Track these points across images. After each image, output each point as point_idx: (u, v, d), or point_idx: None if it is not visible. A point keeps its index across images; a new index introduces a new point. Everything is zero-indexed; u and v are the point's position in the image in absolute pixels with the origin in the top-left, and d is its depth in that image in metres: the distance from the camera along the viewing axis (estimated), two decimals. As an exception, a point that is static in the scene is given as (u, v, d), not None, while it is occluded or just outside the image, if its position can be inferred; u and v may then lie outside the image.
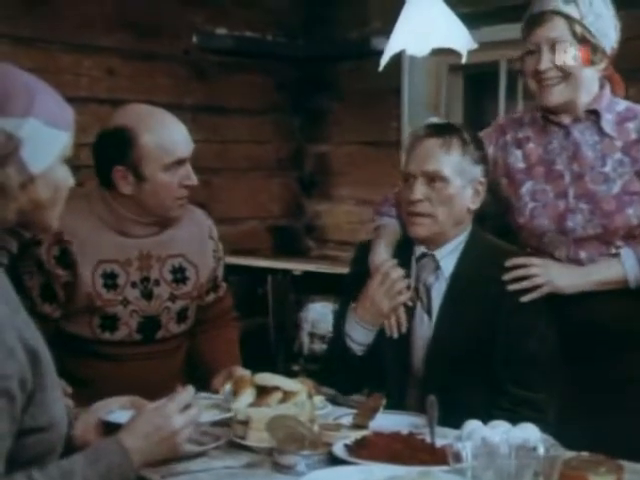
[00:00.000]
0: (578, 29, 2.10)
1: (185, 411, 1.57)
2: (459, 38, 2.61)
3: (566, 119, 2.20)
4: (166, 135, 2.16)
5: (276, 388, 1.95)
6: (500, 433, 1.61)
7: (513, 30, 3.52)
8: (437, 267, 2.16)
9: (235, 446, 1.78)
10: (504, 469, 1.35)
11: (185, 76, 3.90)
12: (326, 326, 3.63)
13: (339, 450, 1.68)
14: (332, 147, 4.20)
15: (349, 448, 1.69)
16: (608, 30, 2.13)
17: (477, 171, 2.14)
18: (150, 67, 3.78)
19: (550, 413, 2.04)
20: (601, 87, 2.19)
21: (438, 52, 2.70)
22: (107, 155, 2.18)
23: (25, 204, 1.37)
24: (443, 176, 2.10)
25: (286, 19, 4.18)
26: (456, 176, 2.11)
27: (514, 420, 1.77)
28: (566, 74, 2.12)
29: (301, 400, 1.92)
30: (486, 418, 1.78)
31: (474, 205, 2.16)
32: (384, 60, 2.62)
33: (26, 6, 3.44)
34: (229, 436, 1.81)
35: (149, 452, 1.51)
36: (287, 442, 1.66)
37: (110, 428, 1.65)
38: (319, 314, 3.81)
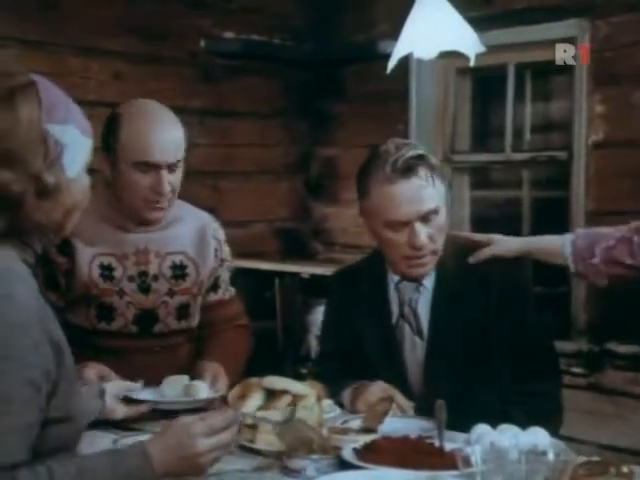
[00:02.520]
0: None
1: (215, 434, 1.52)
2: (467, 41, 2.61)
3: None
4: (144, 135, 2.16)
5: (285, 391, 1.94)
6: (509, 437, 1.60)
7: (521, 33, 3.56)
8: (419, 284, 2.15)
9: (244, 450, 1.78)
10: (514, 474, 1.34)
11: (192, 80, 3.91)
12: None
13: (348, 454, 1.68)
14: (339, 150, 4.20)
15: (358, 452, 1.69)
16: None
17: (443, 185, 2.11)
18: (157, 71, 3.78)
19: (561, 399, 2.07)
20: None
21: (446, 55, 2.70)
22: (101, 138, 2.22)
23: (68, 206, 1.46)
24: (437, 210, 2.06)
25: (293, 22, 4.18)
26: (441, 202, 2.08)
27: (531, 414, 1.77)
28: None
29: (310, 403, 1.92)
30: (497, 420, 1.77)
31: None
32: (391, 63, 2.62)
33: (35, 10, 3.45)
34: (238, 440, 1.81)
35: (170, 465, 1.49)
36: (296, 446, 1.65)
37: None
38: (326, 317, 3.80)
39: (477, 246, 2.18)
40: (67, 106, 1.47)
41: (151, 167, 2.16)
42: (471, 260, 2.13)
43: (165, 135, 2.17)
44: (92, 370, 2.06)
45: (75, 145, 1.46)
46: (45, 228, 1.46)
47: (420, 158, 2.06)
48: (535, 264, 2.19)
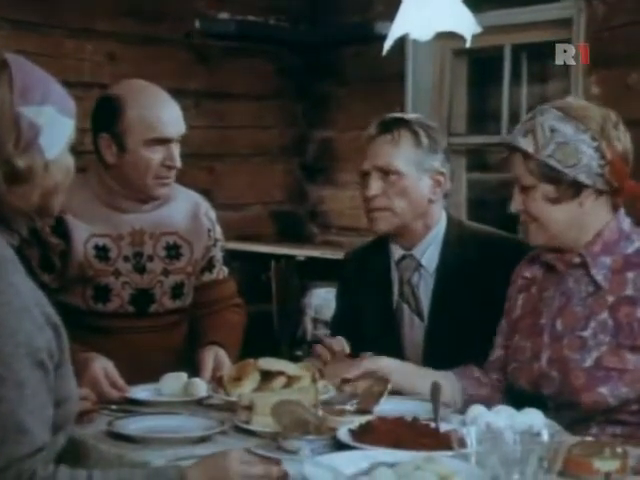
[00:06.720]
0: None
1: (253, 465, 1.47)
2: (463, 22, 2.60)
3: (560, 263, 1.85)
4: (153, 112, 2.20)
5: (280, 373, 1.95)
6: (504, 418, 1.61)
7: (517, 14, 3.55)
8: (418, 265, 2.15)
9: (239, 431, 1.79)
10: (508, 454, 1.35)
11: (187, 61, 3.89)
12: (329, 312, 3.63)
13: (343, 435, 1.68)
14: (335, 132, 4.19)
15: (353, 433, 1.69)
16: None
17: (434, 161, 2.14)
18: (153, 52, 3.77)
19: None
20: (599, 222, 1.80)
21: (442, 36, 2.70)
22: (96, 121, 2.24)
23: (47, 188, 1.44)
24: (395, 169, 2.11)
25: (289, 3, 4.15)
26: (410, 168, 2.12)
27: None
28: (533, 216, 1.82)
29: (305, 385, 1.93)
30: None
31: (435, 196, 2.16)
32: (387, 45, 2.61)
33: (28, -9, 3.43)
34: (233, 421, 1.82)
35: None
36: (291, 427, 1.66)
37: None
38: (323, 300, 3.81)
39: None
40: (46, 87, 1.44)
41: (162, 142, 2.20)
42: None
43: (171, 110, 2.23)
44: (98, 365, 2.01)
45: (53, 126, 1.43)
46: (25, 212, 1.44)
47: (404, 121, 2.15)
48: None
